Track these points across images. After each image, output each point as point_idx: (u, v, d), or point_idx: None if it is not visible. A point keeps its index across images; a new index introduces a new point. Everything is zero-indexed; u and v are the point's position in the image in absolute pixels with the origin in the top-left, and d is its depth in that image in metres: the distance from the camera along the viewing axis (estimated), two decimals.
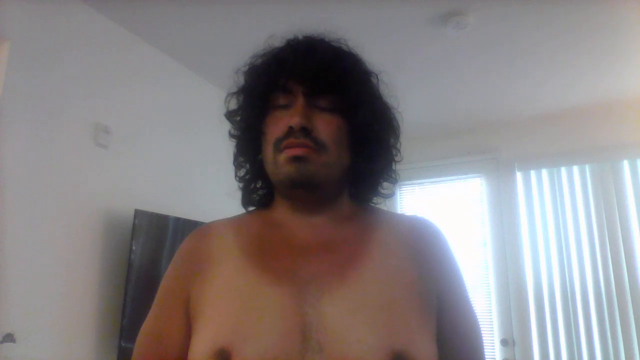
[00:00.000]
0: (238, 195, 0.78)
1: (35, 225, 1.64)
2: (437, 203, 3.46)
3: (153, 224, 2.01)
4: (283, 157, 0.66)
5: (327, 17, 1.93)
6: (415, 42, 2.21)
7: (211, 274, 0.68)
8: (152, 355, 0.68)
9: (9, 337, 1.50)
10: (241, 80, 0.75)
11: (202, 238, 0.73)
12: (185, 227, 2.14)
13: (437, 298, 0.67)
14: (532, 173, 3.16)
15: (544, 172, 3.13)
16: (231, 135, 0.78)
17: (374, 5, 1.90)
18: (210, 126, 2.41)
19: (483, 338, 0.72)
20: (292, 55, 0.68)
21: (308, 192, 0.69)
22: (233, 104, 0.77)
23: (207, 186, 2.46)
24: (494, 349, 3.06)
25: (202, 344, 0.62)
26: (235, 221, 0.76)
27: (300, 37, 0.73)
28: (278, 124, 0.68)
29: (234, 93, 0.76)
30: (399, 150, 0.77)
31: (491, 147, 3.29)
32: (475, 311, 0.73)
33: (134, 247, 1.89)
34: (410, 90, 2.72)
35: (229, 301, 0.64)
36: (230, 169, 0.78)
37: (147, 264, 1.94)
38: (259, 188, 0.77)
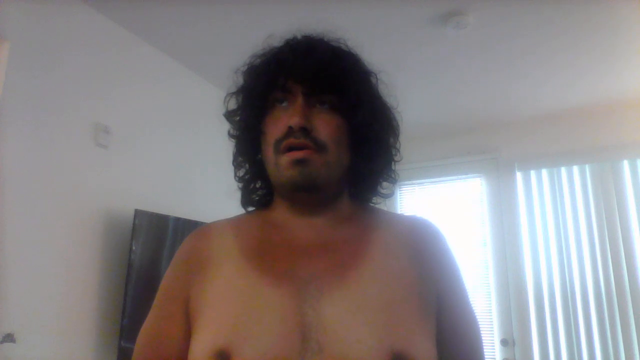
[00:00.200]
0: (238, 195, 0.78)
1: (35, 225, 1.64)
2: (437, 203, 3.46)
3: (153, 224, 2.01)
4: (285, 160, 0.66)
5: (327, 17, 1.92)
6: (415, 42, 2.21)
7: (211, 274, 0.68)
8: (152, 355, 0.68)
9: (9, 337, 1.50)
10: (240, 80, 0.75)
11: (202, 239, 0.73)
12: (185, 227, 2.14)
13: (436, 298, 0.67)
14: (532, 173, 3.16)
15: (544, 172, 3.13)
16: (230, 135, 0.78)
17: (374, 5, 1.90)
18: (210, 126, 2.41)
19: (482, 338, 0.72)
20: (291, 55, 0.68)
21: (310, 195, 0.69)
22: (232, 104, 0.76)
23: (207, 186, 2.46)
24: (494, 349, 3.06)
25: (201, 345, 0.62)
26: (234, 222, 0.76)
27: (299, 36, 0.73)
28: (277, 124, 0.68)
29: (233, 93, 0.76)
30: (398, 150, 0.77)
31: (491, 147, 3.29)
32: (475, 312, 0.72)
33: (134, 247, 1.89)
34: (410, 90, 2.72)
35: (229, 302, 0.64)
36: (230, 169, 0.78)
37: (147, 264, 1.94)
38: (259, 188, 0.77)
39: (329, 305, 0.60)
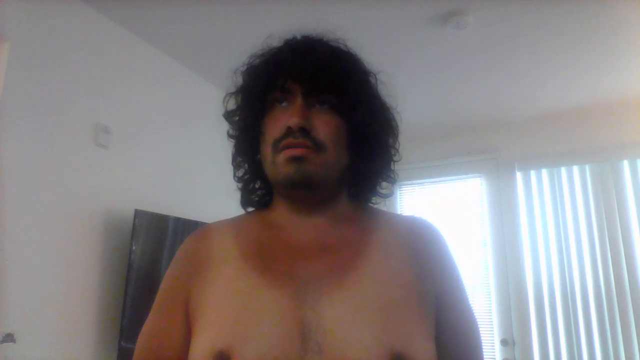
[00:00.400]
0: (237, 195, 0.78)
1: (35, 225, 1.64)
2: (437, 203, 3.46)
3: (153, 224, 2.01)
4: (282, 157, 0.66)
5: (327, 17, 1.93)
6: (415, 42, 2.21)
7: (211, 275, 0.68)
8: (153, 356, 0.68)
9: (9, 337, 1.50)
10: (239, 81, 0.75)
11: (202, 240, 0.73)
12: (185, 227, 2.14)
13: (435, 299, 0.67)
14: (532, 173, 3.16)
15: (544, 172, 3.13)
16: (229, 136, 0.77)
17: (374, 5, 1.90)
18: (210, 126, 2.40)
19: (481, 338, 0.72)
20: (290, 55, 0.68)
21: (307, 192, 0.69)
22: (231, 105, 0.76)
23: (207, 186, 2.46)
24: (494, 349, 3.06)
25: (201, 346, 0.62)
26: (234, 222, 0.76)
27: (298, 37, 0.73)
28: (276, 124, 0.68)
29: (232, 93, 0.76)
30: (397, 150, 0.77)
31: (491, 147, 3.29)
32: (474, 311, 0.73)
33: (134, 247, 1.89)
34: (410, 90, 2.72)
35: (228, 303, 0.64)
36: (230, 168, 0.78)
37: (147, 264, 1.94)
38: (258, 188, 0.77)
39: (328, 306, 0.60)
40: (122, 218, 1.95)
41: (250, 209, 0.78)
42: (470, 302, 0.73)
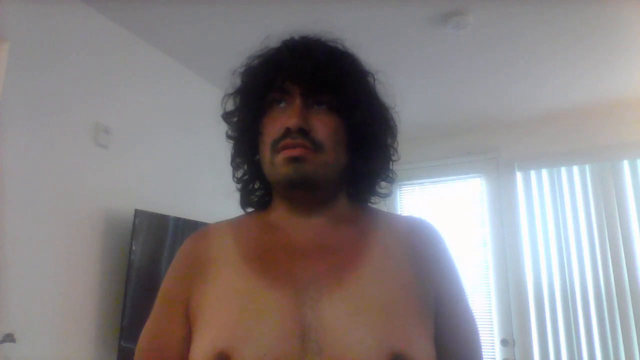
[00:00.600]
0: (237, 195, 0.78)
1: (35, 225, 1.64)
2: (437, 203, 3.46)
3: (153, 224, 2.01)
4: (280, 158, 0.66)
5: (327, 17, 1.92)
6: (415, 42, 2.21)
7: (211, 276, 0.68)
8: (154, 357, 0.68)
9: (9, 337, 1.50)
10: (238, 82, 0.75)
11: (201, 241, 0.73)
12: (185, 227, 2.14)
13: (434, 299, 0.67)
14: (532, 173, 3.16)
15: (544, 172, 3.13)
16: (228, 137, 0.78)
17: (374, 5, 1.90)
18: (210, 126, 2.40)
19: (481, 338, 0.72)
20: (288, 56, 0.68)
21: (306, 193, 0.69)
22: (230, 106, 0.76)
23: (207, 186, 2.46)
24: (494, 349, 3.06)
25: (202, 347, 0.62)
26: (234, 223, 0.76)
27: (296, 37, 0.73)
28: (275, 125, 0.68)
29: (231, 94, 0.76)
30: (396, 150, 0.77)
31: (491, 147, 3.29)
32: (473, 311, 0.73)
33: (134, 247, 1.89)
34: (410, 90, 2.72)
35: (228, 304, 0.64)
36: (230, 168, 0.78)
37: (147, 264, 1.94)
38: (257, 189, 0.77)
39: (328, 307, 0.61)
40: (122, 218, 1.95)
41: (249, 210, 0.78)
42: (470, 302, 0.73)
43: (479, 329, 0.72)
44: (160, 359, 0.68)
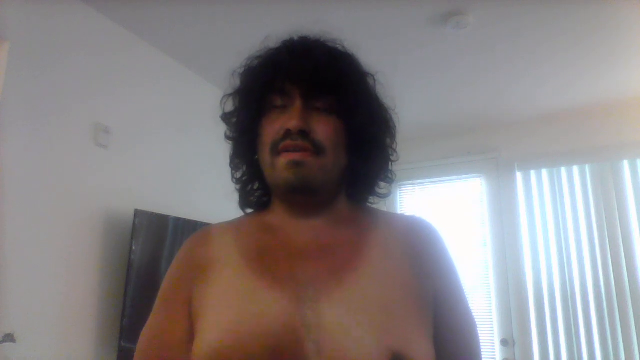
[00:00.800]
0: (236, 196, 0.78)
1: (35, 225, 1.64)
2: (437, 203, 3.46)
3: (153, 224, 2.01)
4: (281, 161, 0.66)
5: (327, 17, 1.93)
6: (415, 42, 2.21)
7: (212, 277, 0.68)
8: (154, 356, 0.68)
9: (9, 337, 1.50)
10: (237, 82, 0.75)
11: (202, 242, 0.74)
12: (185, 227, 2.14)
13: (433, 297, 0.67)
14: (532, 173, 3.16)
15: (544, 172, 3.13)
16: (227, 137, 0.77)
17: (374, 5, 1.90)
18: (210, 126, 2.40)
19: (480, 336, 0.72)
20: (288, 57, 0.68)
21: (306, 197, 0.69)
22: (229, 107, 0.76)
23: (207, 186, 2.46)
24: (494, 349, 3.06)
25: (203, 348, 0.62)
26: (233, 224, 0.76)
27: (295, 37, 0.73)
28: (274, 126, 0.68)
29: (230, 94, 0.75)
30: (395, 150, 0.77)
31: (491, 147, 3.29)
32: (472, 310, 0.73)
33: (134, 247, 1.89)
34: (410, 90, 2.72)
35: (229, 305, 0.64)
36: (230, 169, 0.78)
37: (147, 264, 1.94)
38: (256, 190, 0.77)
39: (327, 307, 0.61)
40: (122, 218, 1.95)
41: (248, 210, 0.78)
42: (469, 301, 0.73)
43: (478, 328, 0.72)
44: (161, 358, 0.68)
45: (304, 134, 0.65)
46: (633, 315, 2.73)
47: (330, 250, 0.68)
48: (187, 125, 2.44)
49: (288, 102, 0.68)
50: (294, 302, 0.61)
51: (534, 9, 1.94)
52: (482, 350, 0.72)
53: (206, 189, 2.46)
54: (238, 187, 0.77)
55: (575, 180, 3.03)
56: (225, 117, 0.77)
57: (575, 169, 3.04)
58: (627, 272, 2.79)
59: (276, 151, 0.66)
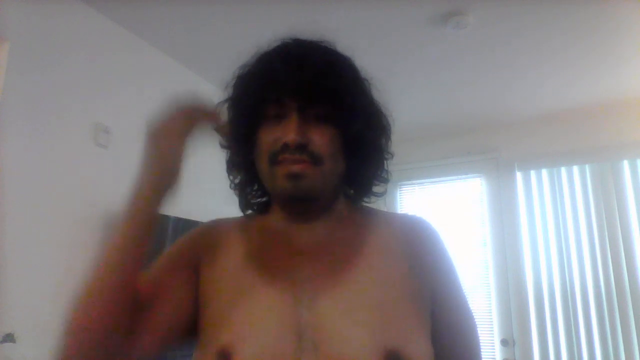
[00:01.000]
0: (236, 197, 0.79)
1: (35, 225, 1.64)
2: (437, 203, 3.46)
3: None
4: (280, 172, 0.65)
5: (326, 17, 1.93)
6: (415, 42, 2.21)
7: (218, 262, 0.70)
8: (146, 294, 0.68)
9: (9, 337, 1.50)
10: (231, 91, 0.73)
11: (214, 229, 0.76)
12: (185, 227, 2.13)
13: (431, 295, 0.68)
14: (532, 173, 3.16)
15: (544, 172, 3.13)
16: (222, 146, 0.77)
17: (373, 5, 1.90)
18: (210, 126, 2.40)
19: (479, 334, 0.72)
20: (283, 67, 0.66)
21: (305, 205, 0.70)
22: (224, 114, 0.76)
23: (207, 186, 2.46)
24: (494, 349, 3.06)
25: (204, 345, 0.63)
26: (237, 223, 0.77)
27: (289, 41, 0.71)
28: (272, 136, 0.67)
29: (224, 101, 0.74)
30: (389, 152, 0.76)
31: (491, 147, 3.29)
32: (471, 307, 0.73)
33: None
34: (410, 90, 2.72)
35: (228, 302, 0.65)
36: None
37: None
38: (255, 192, 0.77)
39: (324, 306, 0.61)
40: None
41: (249, 212, 0.79)
42: (467, 298, 0.73)
43: (476, 325, 0.73)
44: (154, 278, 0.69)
45: (301, 146, 0.64)
46: (633, 315, 2.73)
47: (329, 250, 0.69)
48: None
49: (284, 113, 0.67)
50: (291, 301, 0.62)
51: (534, 9, 1.94)
52: (481, 349, 0.72)
53: (206, 189, 2.46)
54: (236, 192, 0.77)
55: (575, 180, 3.03)
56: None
57: (575, 169, 3.04)
58: (627, 272, 2.79)
59: (275, 161, 0.66)
